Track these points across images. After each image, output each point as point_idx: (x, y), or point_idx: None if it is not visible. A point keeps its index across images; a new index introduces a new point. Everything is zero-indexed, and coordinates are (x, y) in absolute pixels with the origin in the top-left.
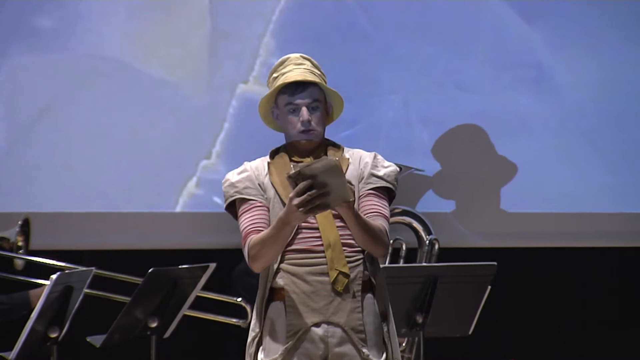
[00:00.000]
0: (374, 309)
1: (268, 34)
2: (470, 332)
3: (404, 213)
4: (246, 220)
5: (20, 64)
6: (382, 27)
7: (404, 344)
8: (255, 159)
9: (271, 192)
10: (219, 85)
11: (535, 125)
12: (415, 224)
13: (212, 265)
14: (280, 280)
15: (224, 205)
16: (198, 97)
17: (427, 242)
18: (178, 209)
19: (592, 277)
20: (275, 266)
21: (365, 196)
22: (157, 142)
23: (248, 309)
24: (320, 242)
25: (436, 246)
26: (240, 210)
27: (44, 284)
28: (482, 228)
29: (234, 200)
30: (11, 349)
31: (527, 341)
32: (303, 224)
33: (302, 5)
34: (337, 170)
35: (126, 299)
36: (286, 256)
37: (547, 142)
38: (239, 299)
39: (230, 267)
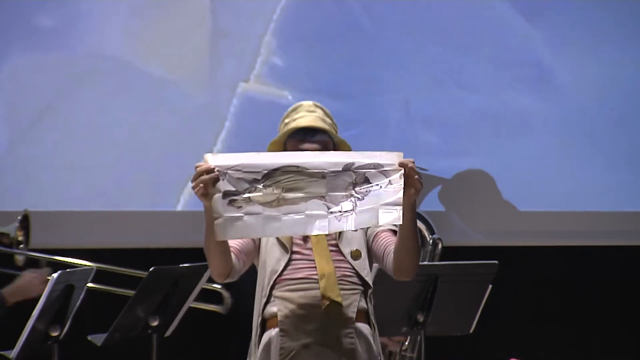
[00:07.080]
0: (368, 338)
1: (269, 32)
2: (471, 331)
3: None
4: None
5: (20, 63)
6: (383, 26)
7: (406, 343)
8: None
9: None
10: (219, 84)
11: (536, 124)
12: (419, 223)
13: None
14: (273, 308)
15: None
16: (199, 95)
17: (431, 241)
18: (179, 208)
19: (594, 276)
20: (267, 295)
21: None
22: (158, 140)
23: (227, 295)
24: (314, 272)
25: (439, 245)
26: None
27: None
28: (485, 227)
29: None
30: (12, 347)
31: (528, 340)
32: (297, 256)
33: (303, 4)
34: None
35: (127, 291)
36: (278, 284)
37: (548, 141)
38: (219, 286)
39: None
